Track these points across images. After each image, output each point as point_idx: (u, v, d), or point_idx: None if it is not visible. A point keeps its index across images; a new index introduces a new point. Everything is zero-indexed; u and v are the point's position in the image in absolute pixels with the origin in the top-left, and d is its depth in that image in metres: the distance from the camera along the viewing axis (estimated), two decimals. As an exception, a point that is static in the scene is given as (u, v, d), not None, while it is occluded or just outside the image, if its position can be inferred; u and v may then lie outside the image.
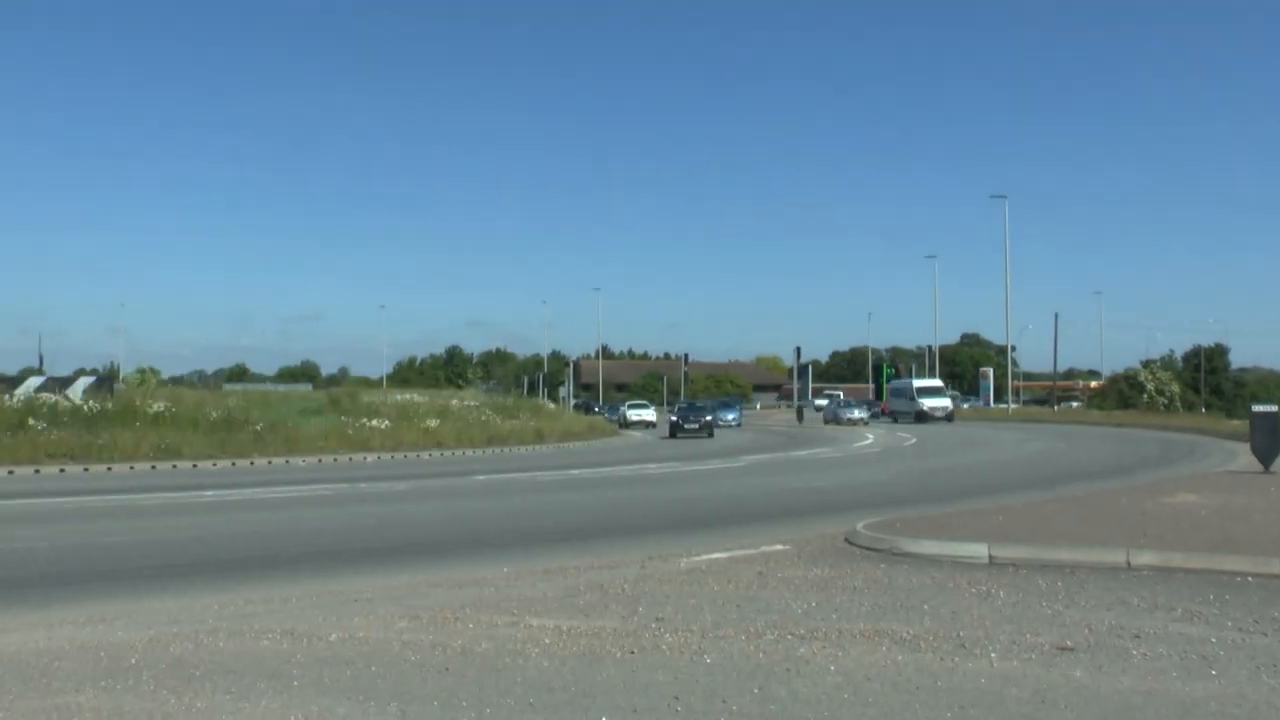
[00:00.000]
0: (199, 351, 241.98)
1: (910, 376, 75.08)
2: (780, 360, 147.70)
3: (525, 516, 15.38)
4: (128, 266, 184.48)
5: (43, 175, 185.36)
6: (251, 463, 28.70)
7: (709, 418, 49.29)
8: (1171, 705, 5.33)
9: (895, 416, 63.63)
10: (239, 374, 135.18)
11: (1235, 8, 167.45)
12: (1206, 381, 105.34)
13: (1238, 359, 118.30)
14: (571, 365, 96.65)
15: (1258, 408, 21.96)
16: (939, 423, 57.45)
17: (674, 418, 49.16)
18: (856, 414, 60.24)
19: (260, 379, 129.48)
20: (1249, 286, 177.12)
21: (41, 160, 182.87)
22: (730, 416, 59.75)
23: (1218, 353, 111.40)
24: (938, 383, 68.62)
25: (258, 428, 32.92)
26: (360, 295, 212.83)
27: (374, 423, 36.83)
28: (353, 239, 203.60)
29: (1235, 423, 48.35)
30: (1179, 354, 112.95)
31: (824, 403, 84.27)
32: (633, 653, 6.45)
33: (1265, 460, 20.49)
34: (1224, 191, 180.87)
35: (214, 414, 34.26)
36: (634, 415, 63.62)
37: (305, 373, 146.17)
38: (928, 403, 60.83)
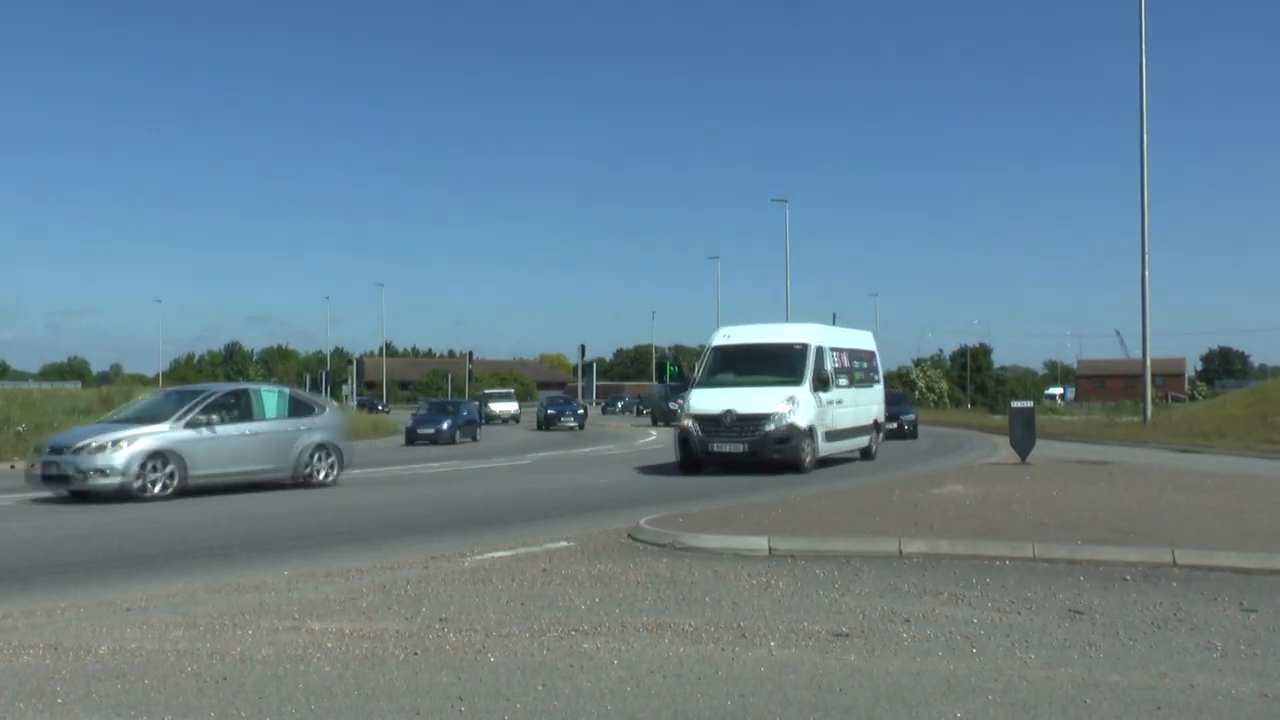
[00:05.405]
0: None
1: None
2: (565, 358, 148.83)
3: (306, 517, 14.99)
4: None
5: None
6: (12, 466, 26.98)
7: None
8: (937, 683, 5.64)
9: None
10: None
11: (1018, 10, 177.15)
12: (972, 379, 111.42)
13: (999, 358, 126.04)
14: (355, 362, 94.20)
15: (1015, 404, 23.50)
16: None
17: (550, 411, 51.08)
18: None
19: (23, 376, 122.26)
20: (1009, 291, 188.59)
21: None
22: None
23: (982, 352, 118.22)
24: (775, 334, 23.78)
25: (20, 429, 31.02)
26: (135, 289, 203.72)
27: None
28: (127, 231, 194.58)
29: (997, 418, 51.33)
30: (947, 353, 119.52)
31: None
32: (416, 654, 6.39)
33: (1022, 452, 21.84)
34: (990, 200, 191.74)
35: (-32, 415, 32.19)
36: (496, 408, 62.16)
37: (74, 370, 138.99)
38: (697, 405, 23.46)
